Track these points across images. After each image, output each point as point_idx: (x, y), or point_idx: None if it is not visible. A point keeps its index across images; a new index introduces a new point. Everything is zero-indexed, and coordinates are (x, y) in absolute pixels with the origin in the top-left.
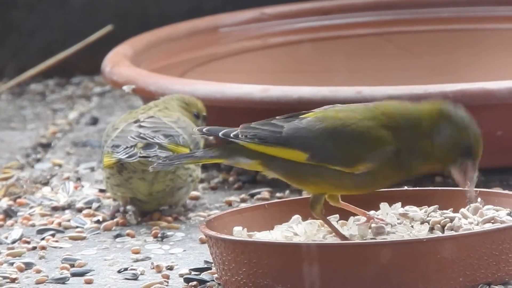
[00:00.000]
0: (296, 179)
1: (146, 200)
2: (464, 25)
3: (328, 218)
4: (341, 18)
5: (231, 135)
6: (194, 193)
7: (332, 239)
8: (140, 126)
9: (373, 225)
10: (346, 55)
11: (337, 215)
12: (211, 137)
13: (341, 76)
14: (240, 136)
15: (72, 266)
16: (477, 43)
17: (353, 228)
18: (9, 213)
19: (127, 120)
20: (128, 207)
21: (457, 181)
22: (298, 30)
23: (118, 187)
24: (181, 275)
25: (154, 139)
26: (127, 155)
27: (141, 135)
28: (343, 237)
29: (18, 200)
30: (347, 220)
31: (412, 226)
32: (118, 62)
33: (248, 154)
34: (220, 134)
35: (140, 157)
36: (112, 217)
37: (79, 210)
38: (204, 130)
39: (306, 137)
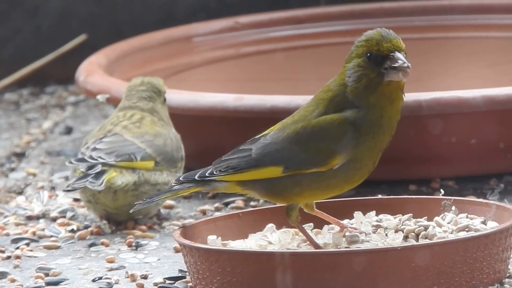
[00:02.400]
0: (278, 195)
1: (116, 213)
2: (437, 34)
3: (302, 226)
4: (314, 27)
5: (207, 174)
6: (168, 202)
7: (306, 248)
8: (94, 149)
9: (347, 233)
10: (319, 63)
11: (312, 224)
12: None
13: (314, 84)
14: (214, 172)
15: (47, 275)
16: (450, 51)
17: (327, 237)
18: None
19: (96, 137)
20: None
21: (399, 79)
22: (271, 39)
23: (89, 203)
24: (155, 284)
25: (99, 159)
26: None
27: (84, 157)
28: (316, 245)
29: None
30: (321, 228)
31: (386, 235)
32: (92, 71)
33: None
34: (196, 177)
35: (64, 190)
36: None
37: (54, 219)
38: (180, 178)
39: (275, 151)
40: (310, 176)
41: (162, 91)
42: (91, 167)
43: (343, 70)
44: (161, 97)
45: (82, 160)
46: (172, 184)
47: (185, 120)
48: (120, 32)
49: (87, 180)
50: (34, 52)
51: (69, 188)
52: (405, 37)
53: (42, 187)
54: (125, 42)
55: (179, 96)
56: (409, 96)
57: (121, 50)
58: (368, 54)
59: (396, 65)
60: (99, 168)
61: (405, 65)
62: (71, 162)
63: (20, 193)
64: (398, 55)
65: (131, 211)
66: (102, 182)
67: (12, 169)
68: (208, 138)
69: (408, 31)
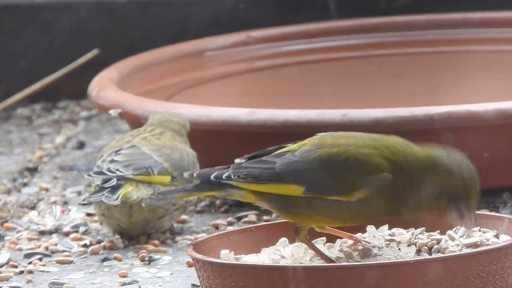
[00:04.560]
0: (289, 212)
1: (130, 228)
2: (449, 48)
3: (315, 240)
4: (326, 41)
5: (224, 177)
6: (181, 216)
7: (319, 262)
8: (112, 161)
9: (360, 247)
10: (331, 78)
11: (324, 238)
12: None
13: (327, 99)
14: (232, 176)
15: None
16: (462, 65)
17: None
18: None
19: (113, 148)
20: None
21: (455, 222)
22: (283, 53)
23: (103, 217)
24: None
25: (117, 172)
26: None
27: (102, 170)
28: (328, 260)
29: (5, 225)
30: (334, 242)
31: (399, 249)
32: (104, 86)
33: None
34: (211, 177)
35: (80, 204)
36: None
37: (66, 234)
38: (194, 175)
39: (301, 170)
40: (327, 203)
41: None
42: (106, 181)
43: (414, 161)
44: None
45: (100, 173)
46: (186, 177)
47: (197, 134)
48: (132, 48)
49: (103, 194)
50: (46, 68)
51: (84, 202)
52: (416, 51)
53: (55, 202)
54: (137, 57)
55: (191, 111)
56: (421, 110)
57: (133, 64)
58: (452, 192)
59: (466, 217)
60: (114, 181)
61: (471, 226)
62: (89, 175)
63: (33, 208)
64: (472, 207)
65: (143, 204)
66: (118, 197)
67: (25, 184)
68: (220, 152)
69: (420, 45)
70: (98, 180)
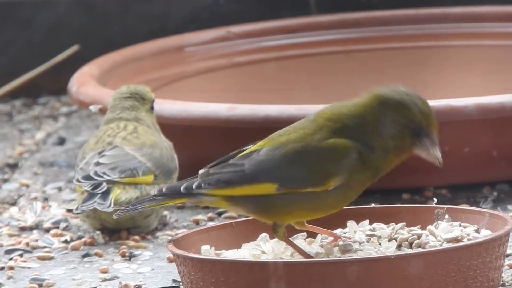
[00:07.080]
0: (266, 212)
1: (115, 228)
2: (429, 42)
3: (295, 236)
4: (306, 37)
5: (194, 187)
6: (163, 212)
7: (299, 257)
8: (98, 164)
9: (340, 243)
10: (311, 73)
11: (305, 233)
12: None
13: (307, 94)
14: (202, 185)
15: (41, 286)
16: (442, 60)
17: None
18: None
19: (94, 150)
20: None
21: (425, 158)
22: (263, 48)
23: (87, 218)
24: None
25: (104, 176)
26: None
27: (90, 174)
28: (308, 256)
29: None
30: (315, 238)
31: (379, 244)
32: (84, 82)
33: None
34: (181, 189)
35: (76, 213)
36: None
37: (47, 230)
38: (163, 190)
39: (270, 168)
40: (303, 196)
41: (147, 99)
42: (96, 186)
43: (360, 110)
44: (145, 105)
45: (88, 177)
46: (155, 194)
47: (177, 130)
48: (112, 44)
49: (95, 201)
50: (26, 64)
51: (78, 211)
52: (396, 46)
53: (35, 198)
54: (117, 53)
55: (171, 106)
56: None
57: (113, 60)
58: (413, 127)
59: (432, 149)
60: (105, 187)
61: (438, 153)
62: (78, 181)
63: (13, 204)
64: (435, 138)
65: (114, 216)
66: (110, 203)
67: (5, 180)
68: (201, 148)
69: (399, 40)
70: (87, 186)
